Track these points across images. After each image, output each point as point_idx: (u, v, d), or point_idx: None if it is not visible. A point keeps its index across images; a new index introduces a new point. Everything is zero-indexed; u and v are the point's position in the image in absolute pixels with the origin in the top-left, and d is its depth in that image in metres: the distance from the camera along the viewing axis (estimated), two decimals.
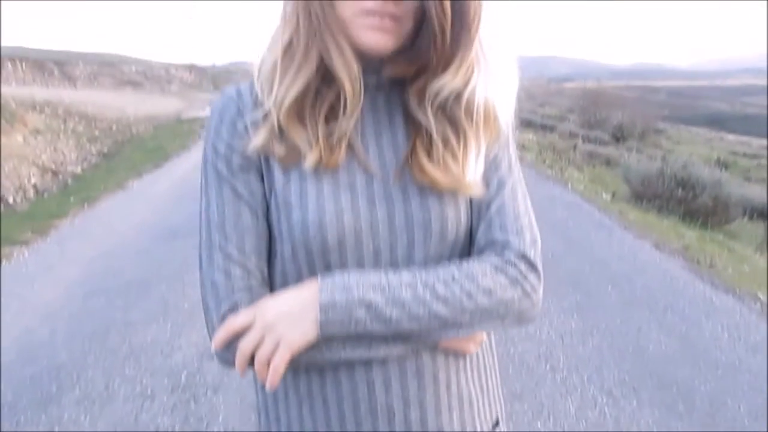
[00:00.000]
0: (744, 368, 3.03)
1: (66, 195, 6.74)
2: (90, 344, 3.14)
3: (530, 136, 15.57)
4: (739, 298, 4.07)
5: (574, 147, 14.69)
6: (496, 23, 0.76)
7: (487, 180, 0.78)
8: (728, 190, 8.10)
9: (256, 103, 0.76)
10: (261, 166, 0.77)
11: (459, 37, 0.69)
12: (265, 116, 0.75)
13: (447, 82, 0.72)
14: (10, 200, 6.97)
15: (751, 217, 9.00)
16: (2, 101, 10.62)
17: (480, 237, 0.77)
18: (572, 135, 17.99)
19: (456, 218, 0.76)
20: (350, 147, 0.76)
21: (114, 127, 12.71)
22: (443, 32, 0.68)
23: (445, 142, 0.74)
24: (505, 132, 0.80)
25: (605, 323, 3.50)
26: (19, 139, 9.03)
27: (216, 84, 32.82)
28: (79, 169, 8.74)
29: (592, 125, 21.36)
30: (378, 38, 0.69)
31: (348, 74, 0.71)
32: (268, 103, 0.74)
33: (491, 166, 0.78)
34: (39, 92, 16.31)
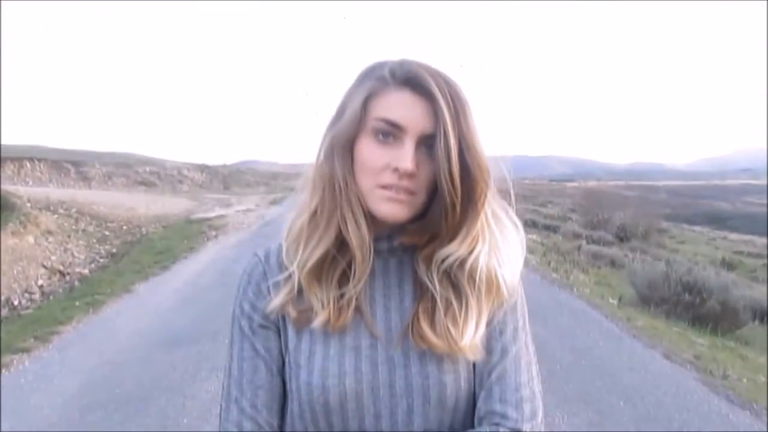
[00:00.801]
0: None
1: (72, 298, 6.73)
2: None
3: (534, 236, 15.70)
4: (756, 414, 3.93)
5: (579, 248, 14.73)
6: (502, 198, 0.83)
7: (490, 346, 0.80)
8: (736, 294, 8.02)
9: (281, 267, 0.84)
10: (279, 326, 0.84)
11: (467, 211, 0.76)
12: (288, 278, 0.82)
13: (453, 251, 0.77)
14: (16, 302, 6.98)
15: (761, 321, 8.83)
16: (18, 202, 10.92)
17: (480, 405, 0.79)
18: (576, 235, 18.09)
19: (455, 385, 0.79)
20: (359, 310, 0.81)
21: (124, 227, 12.94)
22: (453, 206, 0.75)
23: (447, 307, 0.79)
24: (511, 298, 0.83)
25: None
26: (31, 240, 9.18)
27: (226, 184, 33.68)
28: (86, 271, 8.79)
29: (595, 225, 21.52)
30: (393, 209, 0.76)
31: (360, 245, 0.78)
32: (292, 266, 0.81)
33: (495, 332, 0.81)
34: (54, 192, 16.79)
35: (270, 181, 41.85)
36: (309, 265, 0.79)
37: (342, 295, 0.80)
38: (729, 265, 16.66)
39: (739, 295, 8.12)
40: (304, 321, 0.81)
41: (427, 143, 0.75)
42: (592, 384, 4.33)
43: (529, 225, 19.12)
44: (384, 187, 0.76)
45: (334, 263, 0.80)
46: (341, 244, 0.79)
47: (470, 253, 0.78)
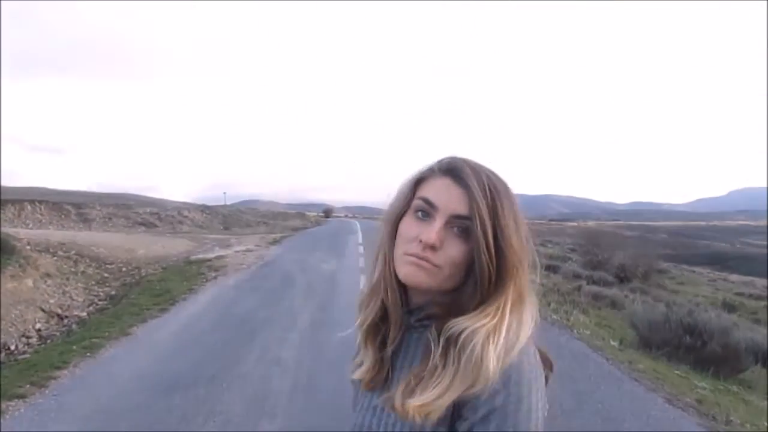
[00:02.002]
0: None
1: (69, 342, 6.67)
2: None
3: (533, 276, 15.60)
4: None
5: (579, 288, 14.68)
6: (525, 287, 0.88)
7: None
8: (737, 337, 7.96)
9: None
10: None
11: (495, 290, 0.84)
12: None
13: (461, 321, 0.83)
14: (13, 347, 6.92)
15: (763, 364, 8.72)
16: (18, 245, 10.94)
17: None
18: (576, 276, 18.05)
19: None
20: (388, 375, 0.92)
21: (123, 269, 12.91)
22: (489, 283, 0.83)
23: (432, 373, 0.82)
24: (494, 395, 0.79)
25: None
26: (30, 283, 9.16)
27: (226, 224, 33.72)
28: (85, 314, 8.74)
29: (595, 265, 21.48)
30: (412, 271, 0.85)
31: (394, 309, 0.90)
32: (355, 327, 0.97)
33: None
34: (54, 234, 16.81)
35: (270, 220, 41.92)
36: (364, 327, 0.94)
37: (380, 358, 0.92)
38: (730, 307, 16.58)
39: (741, 337, 8.05)
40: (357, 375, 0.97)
41: (461, 226, 0.84)
42: (593, 429, 4.29)
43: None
44: (409, 254, 0.85)
45: (378, 328, 0.93)
46: (385, 311, 0.92)
47: (468, 327, 0.82)
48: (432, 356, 0.83)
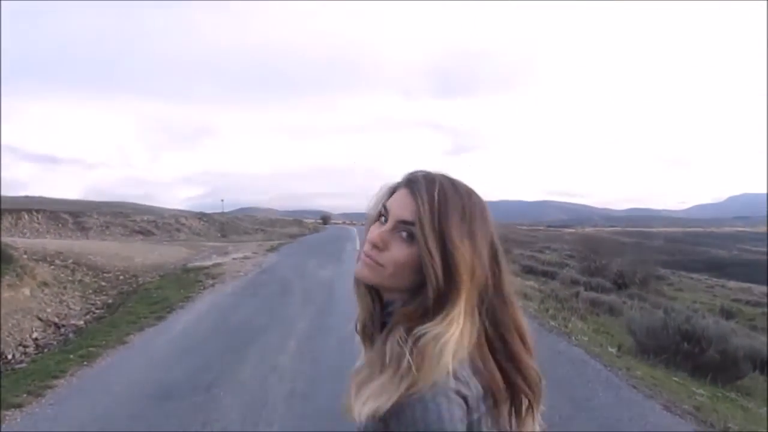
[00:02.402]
0: None
1: (66, 351, 6.65)
2: None
3: (532, 283, 15.65)
4: None
5: (577, 294, 14.68)
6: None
7: None
8: (735, 344, 7.96)
9: None
10: None
11: (448, 294, 0.87)
12: None
13: (429, 328, 0.86)
14: (10, 356, 6.90)
15: (762, 371, 8.73)
16: (15, 254, 10.92)
17: None
18: (574, 282, 18.06)
19: None
20: None
21: (120, 277, 12.89)
22: (438, 285, 0.87)
23: (382, 374, 0.86)
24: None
25: None
26: (27, 292, 9.14)
27: (223, 231, 33.69)
28: (81, 322, 8.72)
29: (593, 272, 21.49)
30: (359, 267, 0.95)
31: (366, 309, 1.00)
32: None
33: None
34: (51, 243, 16.79)
35: (268, 228, 41.90)
36: (359, 329, 1.02)
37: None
38: (728, 314, 16.60)
39: (739, 344, 8.06)
40: None
41: (406, 231, 0.91)
42: None
43: (527, 271, 19.07)
44: (362, 252, 0.95)
45: (368, 330, 1.01)
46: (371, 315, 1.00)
47: (431, 331, 0.85)
48: (387, 359, 0.86)
